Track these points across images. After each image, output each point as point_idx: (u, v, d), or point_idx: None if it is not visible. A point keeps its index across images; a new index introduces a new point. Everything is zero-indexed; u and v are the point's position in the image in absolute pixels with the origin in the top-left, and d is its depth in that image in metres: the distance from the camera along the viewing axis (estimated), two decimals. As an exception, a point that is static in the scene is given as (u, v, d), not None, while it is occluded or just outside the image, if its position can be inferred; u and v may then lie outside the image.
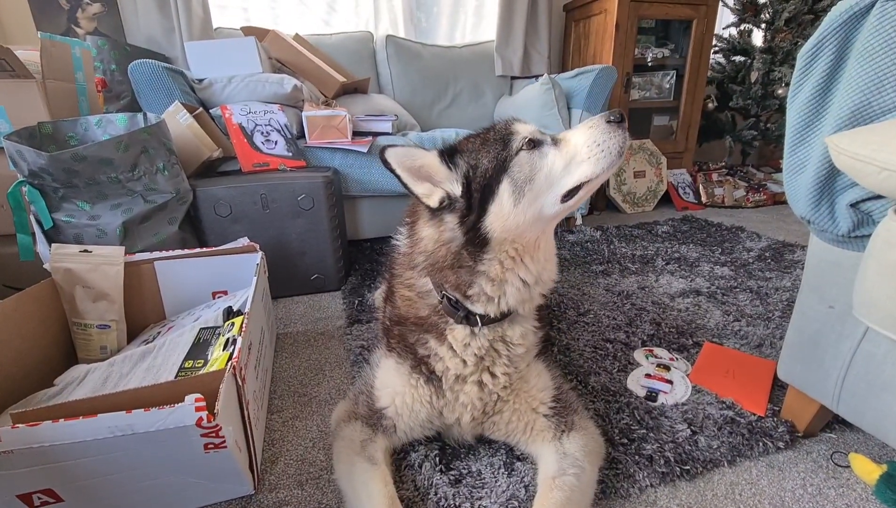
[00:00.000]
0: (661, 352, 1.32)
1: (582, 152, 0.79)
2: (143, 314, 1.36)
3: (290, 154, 1.87)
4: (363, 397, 0.96)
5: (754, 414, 1.04)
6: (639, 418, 1.04)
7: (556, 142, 0.82)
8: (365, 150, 1.94)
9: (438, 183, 0.83)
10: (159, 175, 1.47)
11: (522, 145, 0.80)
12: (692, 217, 2.75)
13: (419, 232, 0.87)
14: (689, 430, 0.99)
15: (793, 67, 0.83)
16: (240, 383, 0.83)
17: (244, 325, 0.97)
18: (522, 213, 0.79)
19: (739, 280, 1.80)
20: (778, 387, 1.12)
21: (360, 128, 2.13)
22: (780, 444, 0.96)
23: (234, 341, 0.97)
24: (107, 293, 1.27)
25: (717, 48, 3.19)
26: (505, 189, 0.79)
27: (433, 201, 0.82)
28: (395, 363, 0.93)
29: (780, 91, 2.97)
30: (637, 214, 2.98)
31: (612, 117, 0.79)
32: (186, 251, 1.38)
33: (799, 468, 0.92)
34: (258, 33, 2.30)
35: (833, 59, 0.77)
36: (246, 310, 1.04)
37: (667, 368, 1.23)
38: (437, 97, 2.92)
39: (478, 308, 0.84)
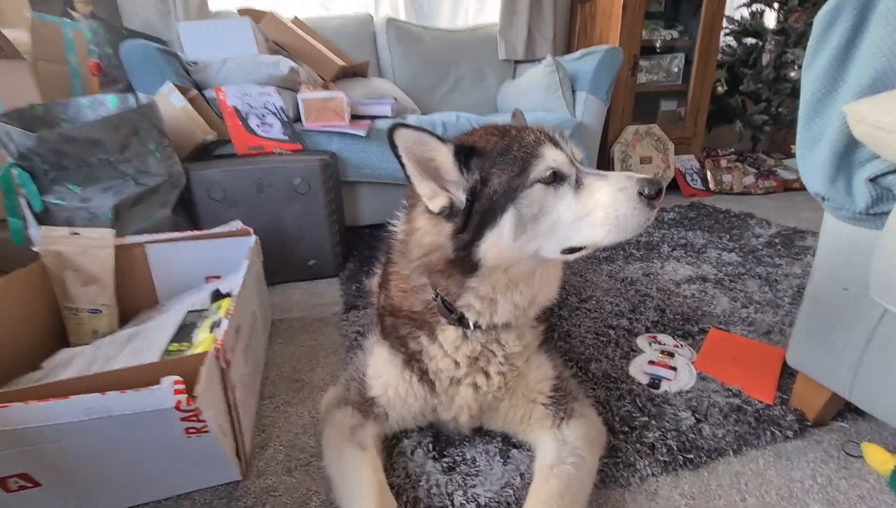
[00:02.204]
0: (666, 339, 1.27)
1: (598, 215, 0.69)
2: (135, 299, 1.34)
3: (287, 137, 1.83)
4: (355, 383, 0.93)
5: (762, 402, 1.00)
6: (641, 405, 1.01)
7: (579, 184, 0.71)
8: (363, 133, 1.89)
9: (445, 184, 0.74)
10: (150, 157, 1.44)
11: (542, 176, 0.70)
12: (699, 204, 2.68)
13: (416, 221, 0.81)
14: (692, 418, 0.96)
15: (806, 49, 0.77)
16: (224, 366, 0.80)
17: (231, 307, 0.94)
18: (520, 248, 0.72)
19: (748, 267, 1.74)
20: (787, 375, 1.08)
21: (358, 111, 2.09)
22: (789, 433, 0.92)
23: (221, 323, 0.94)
24: (97, 277, 1.25)
25: (727, 30, 3.09)
26: (508, 220, 0.70)
27: (435, 206, 0.74)
28: (389, 354, 0.89)
29: (792, 74, 2.87)
30: (643, 201, 2.92)
31: (647, 190, 0.66)
32: (178, 234, 1.35)
33: (808, 457, 0.88)
34: (255, 16, 2.25)
35: (853, 23, 0.72)
36: (235, 293, 1.01)
37: (671, 355, 1.19)
38: (439, 81, 2.87)
39: (470, 316, 0.80)
